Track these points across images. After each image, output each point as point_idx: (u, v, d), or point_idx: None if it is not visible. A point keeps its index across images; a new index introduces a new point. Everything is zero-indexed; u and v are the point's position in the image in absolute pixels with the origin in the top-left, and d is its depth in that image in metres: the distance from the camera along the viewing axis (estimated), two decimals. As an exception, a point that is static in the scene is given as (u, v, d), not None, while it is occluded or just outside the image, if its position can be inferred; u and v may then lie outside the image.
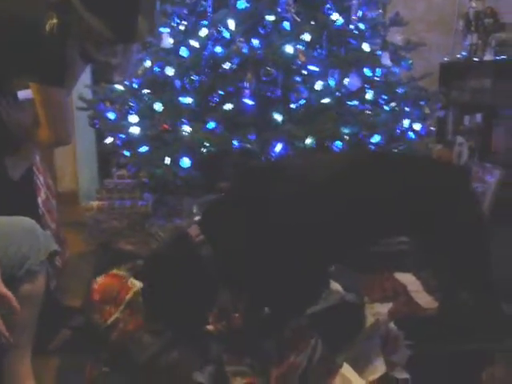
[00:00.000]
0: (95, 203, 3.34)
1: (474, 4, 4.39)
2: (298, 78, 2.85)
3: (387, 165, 1.91)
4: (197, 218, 1.96)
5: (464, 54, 4.51)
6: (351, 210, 1.78)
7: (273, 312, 1.92)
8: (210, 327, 1.99)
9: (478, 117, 4.25)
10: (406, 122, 3.05)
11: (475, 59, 4.34)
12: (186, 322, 1.85)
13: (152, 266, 1.90)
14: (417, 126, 3.20)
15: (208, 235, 1.78)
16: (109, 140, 3.11)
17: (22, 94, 1.87)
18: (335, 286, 2.26)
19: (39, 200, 2.55)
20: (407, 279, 2.70)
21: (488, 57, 4.20)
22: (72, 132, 1.96)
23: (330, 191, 1.80)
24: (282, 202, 1.76)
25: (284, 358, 1.81)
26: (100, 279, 2.16)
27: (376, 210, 1.80)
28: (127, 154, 3.05)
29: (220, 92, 2.85)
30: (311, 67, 2.84)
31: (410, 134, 3.18)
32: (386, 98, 3.14)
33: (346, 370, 1.72)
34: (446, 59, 4.61)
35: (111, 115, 3.10)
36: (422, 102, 3.24)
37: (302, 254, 1.75)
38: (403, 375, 1.88)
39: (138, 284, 2.04)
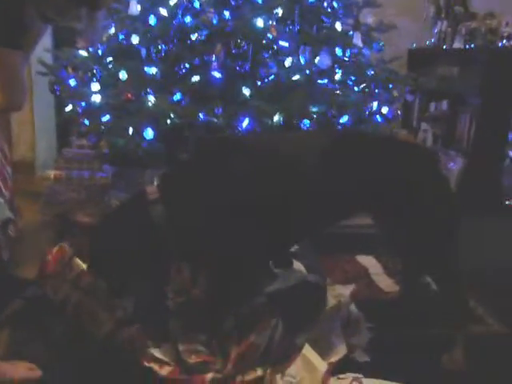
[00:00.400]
0: (52, 172, 3.23)
1: (445, -9, 4.39)
2: (267, 53, 2.78)
3: (357, 143, 1.86)
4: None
5: (433, 41, 4.52)
6: (315, 187, 1.74)
7: (226, 289, 1.87)
8: (168, 303, 1.93)
9: (444, 104, 4.26)
10: (374, 104, 3.03)
11: (444, 47, 4.34)
12: (141, 291, 1.79)
13: (104, 226, 1.83)
14: (384, 110, 3.17)
15: (164, 196, 1.71)
16: (69, 108, 2.99)
17: None
18: (298, 265, 2.23)
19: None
20: (368, 262, 2.71)
21: (457, 45, 4.20)
22: (25, 98, 1.84)
23: (293, 168, 1.75)
24: (242, 175, 1.71)
25: (243, 337, 1.77)
26: (54, 250, 2.07)
27: (341, 189, 1.76)
28: (88, 123, 2.94)
29: (187, 63, 2.76)
30: (282, 43, 2.77)
31: (377, 117, 3.15)
32: (354, 79, 3.10)
33: (308, 351, 1.69)
34: (414, 45, 4.61)
35: (72, 82, 2.99)
36: (390, 86, 3.21)
37: (257, 232, 1.70)
38: (363, 358, 1.87)
39: (81, 266, 1.97)
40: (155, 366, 1.72)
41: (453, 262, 1.86)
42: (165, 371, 1.71)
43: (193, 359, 1.72)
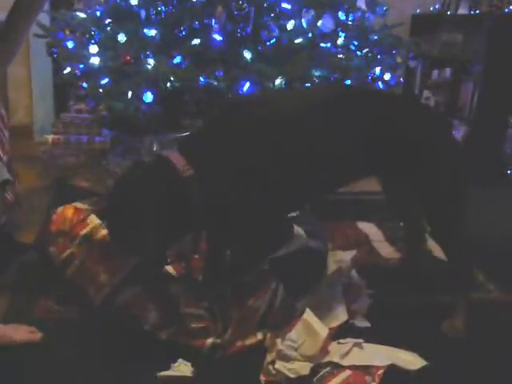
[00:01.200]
0: (50, 137, 3.20)
1: (451, -45, 4.30)
2: (269, 16, 2.72)
3: (366, 101, 1.80)
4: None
5: (437, 7, 4.44)
6: (324, 145, 1.69)
7: (235, 255, 1.86)
8: (169, 268, 1.92)
9: (447, 71, 4.21)
10: (377, 70, 2.98)
11: (448, 13, 4.27)
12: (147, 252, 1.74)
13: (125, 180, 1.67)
14: (387, 76, 3.13)
15: (195, 168, 1.59)
16: (67, 70, 2.94)
17: None
18: (298, 230, 2.21)
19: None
20: (369, 229, 2.69)
21: (461, 11, 4.14)
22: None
23: (305, 126, 1.69)
24: (259, 141, 1.66)
25: (244, 302, 1.76)
26: (59, 210, 2.04)
27: (351, 150, 1.71)
28: (86, 86, 2.89)
29: (187, 26, 2.70)
30: (284, 5, 2.72)
31: (379, 83, 3.11)
32: (357, 43, 3.05)
33: (308, 315, 1.68)
34: (418, 11, 4.53)
35: (70, 44, 2.93)
36: (394, 51, 3.16)
37: (270, 197, 1.67)
38: (364, 324, 1.87)
39: (96, 221, 1.94)
40: (155, 330, 1.72)
41: (461, 227, 1.84)
42: (164, 334, 1.71)
43: (194, 324, 1.72)
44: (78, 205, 2.04)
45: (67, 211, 2.00)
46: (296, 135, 1.66)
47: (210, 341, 1.69)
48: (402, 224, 2.23)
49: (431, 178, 1.75)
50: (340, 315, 1.82)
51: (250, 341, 1.70)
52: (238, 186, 1.61)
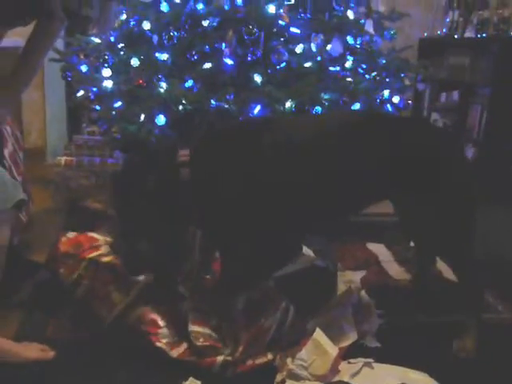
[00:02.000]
0: (63, 159, 3.24)
1: (458, -20, 4.36)
2: (279, 40, 2.77)
3: (378, 125, 1.84)
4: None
5: (444, 30, 4.49)
6: (341, 172, 1.73)
7: (242, 268, 1.87)
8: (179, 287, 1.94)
9: (455, 94, 4.24)
10: (385, 93, 3.01)
11: (455, 36, 4.32)
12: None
13: (129, 174, 1.81)
14: (395, 99, 3.16)
15: (194, 163, 1.72)
16: (80, 93, 2.99)
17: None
18: (306, 250, 2.23)
19: (6, 152, 2.45)
20: (379, 250, 2.70)
21: (468, 34, 4.18)
22: None
23: (318, 149, 1.74)
24: (270, 157, 1.70)
25: (253, 321, 1.78)
26: (70, 234, 2.08)
27: (364, 174, 1.74)
28: (99, 109, 2.94)
29: (199, 50, 2.75)
30: (294, 29, 2.77)
31: (388, 106, 3.14)
32: (365, 67, 3.09)
33: (319, 335, 1.69)
34: (425, 34, 4.58)
35: (84, 68, 2.99)
36: (402, 74, 3.19)
37: (281, 214, 1.70)
38: (374, 343, 1.88)
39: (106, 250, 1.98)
40: (166, 347, 1.73)
41: (471, 246, 1.85)
42: (175, 352, 1.72)
43: (201, 342, 1.73)
44: (94, 235, 2.08)
45: (81, 237, 2.04)
46: (307, 160, 1.71)
47: (220, 358, 1.70)
48: (412, 244, 2.25)
49: (444, 198, 1.78)
50: (350, 335, 1.83)
51: (260, 360, 1.71)
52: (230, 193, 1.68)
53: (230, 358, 1.70)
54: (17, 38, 2.72)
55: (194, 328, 1.76)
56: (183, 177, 1.70)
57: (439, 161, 1.78)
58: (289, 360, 1.67)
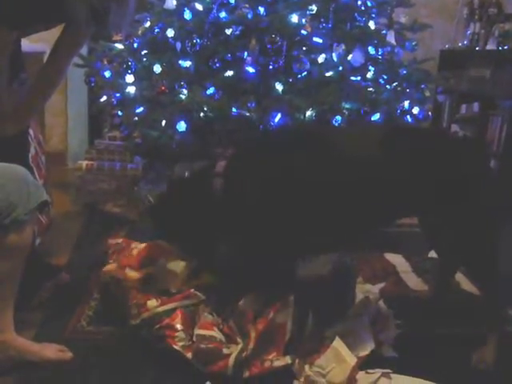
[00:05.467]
0: (84, 163, 3.28)
1: (479, -7, 4.36)
2: (301, 50, 2.79)
3: (403, 139, 1.83)
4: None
5: (465, 42, 4.48)
6: (369, 188, 1.73)
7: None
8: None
9: (475, 106, 4.22)
10: (406, 104, 3.02)
11: (477, 48, 4.31)
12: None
13: (171, 191, 2.00)
14: (415, 110, 3.16)
15: (227, 173, 1.79)
16: (103, 99, 3.03)
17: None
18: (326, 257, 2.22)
19: (29, 155, 2.48)
20: (397, 260, 2.69)
21: (490, 47, 4.17)
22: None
23: (347, 162, 1.75)
24: (303, 167, 1.72)
25: (260, 314, 1.78)
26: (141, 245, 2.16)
27: (392, 189, 1.74)
28: (121, 114, 2.98)
29: (221, 58, 2.78)
30: (316, 39, 2.79)
31: (408, 117, 3.14)
32: (386, 77, 3.10)
33: (338, 343, 1.69)
34: (447, 46, 4.58)
35: (107, 73, 3.03)
36: (423, 86, 3.20)
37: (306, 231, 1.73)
38: (391, 354, 1.87)
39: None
40: (182, 350, 1.74)
41: (494, 259, 1.84)
42: (191, 354, 1.73)
43: (205, 344, 1.73)
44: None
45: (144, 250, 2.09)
46: (340, 175, 1.73)
47: (232, 360, 1.69)
48: (431, 255, 2.24)
49: (468, 210, 1.77)
50: (367, 345, 1.82)
51: (278, 362, 1.70)
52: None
53: (243, 356, 1.69)
54: (43, 43, 2.78)
55: (199, 332, 1.77)
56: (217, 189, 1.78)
57: (464, 173, 1.77)
58: (307, 366, 1.67)
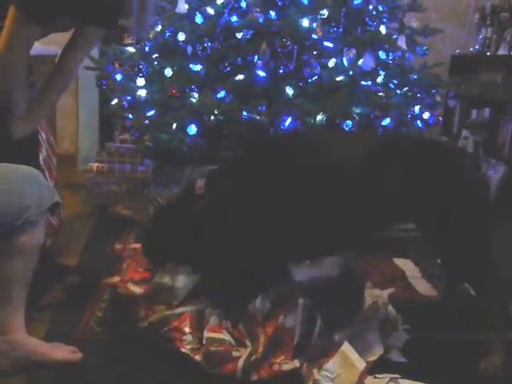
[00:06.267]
0: (95, 165, 3.30)
1: (491, -3, 4.35)
2: (312, 54, 2.79)
3: (396, 148, 1.85)
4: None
5: (477, 47, 4.47)
6: (361, 195, 1.75)
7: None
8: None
9: (486, 111, 4.21)
10: (416, 109, 3.01)
11: (488, 53, 4.29)
12: None
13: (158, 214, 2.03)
14: (426, 115, 3.16)
15: (208, 190, 1.82)
16: (114, 101, 3.05)
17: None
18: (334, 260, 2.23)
19: (40, 157, 2.50)
20: (406, 265, 2.69)
21: (501, 52, 4.15)
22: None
23: (339, 169, 1.76)
24: (289, 179, 1.74)
25: (270, 318, 1.79)
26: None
27: (385, 197, 1.76)
28: (132, 117, 3.00)
29: (232, 62, 2.79)
30: (326, 43, 2.79)
31: (418, 122, 3.14)
32: (397, 82, 3.10)
33: (346, 347, 1.69)
34: (458, 51, 4.56)
35: (119, 76, 3.05)
36: (433, 91, 3.20)
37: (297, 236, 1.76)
38: (400, 359, 1.87)
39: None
40: (190, 353, 1.75)
41: (494, 268, 1.84)
42: (199, 357, 1.74)
43: (215, 347, 1.74)
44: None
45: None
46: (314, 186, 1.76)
47: (241, 363, 1.69)
48: (439, 261, 2.23)
49: (459, 220, 1.78)
50: (376, 349, 1.82)
51: (286, 366, 1.70)
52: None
53: (251, 359, 1.69)
54: (54, 46, 2.80)
55: (209, 334, 1.77)
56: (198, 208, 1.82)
57: (456, 183, 1.78)
58: (315, 370, 1.67)
